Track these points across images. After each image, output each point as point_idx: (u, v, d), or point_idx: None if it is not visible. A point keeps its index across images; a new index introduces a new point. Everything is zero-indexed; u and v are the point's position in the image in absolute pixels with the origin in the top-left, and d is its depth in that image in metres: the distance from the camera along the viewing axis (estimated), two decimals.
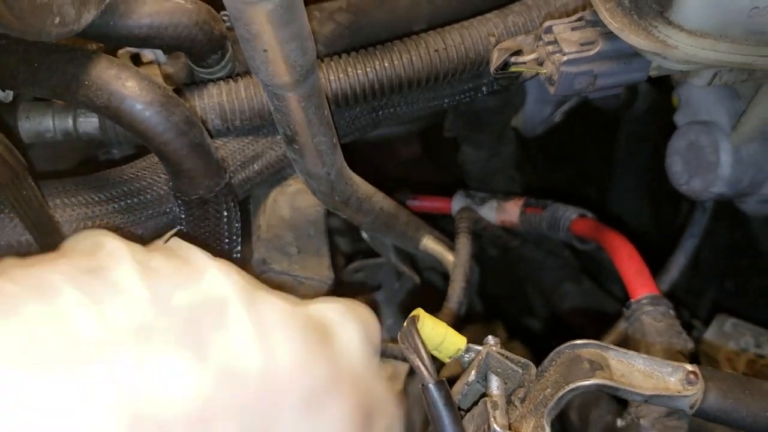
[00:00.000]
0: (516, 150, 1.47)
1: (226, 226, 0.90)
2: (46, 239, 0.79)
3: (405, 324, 0.61)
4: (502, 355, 0.61)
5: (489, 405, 0.57)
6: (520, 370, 0.61)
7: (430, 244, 1.20)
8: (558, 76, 0.83)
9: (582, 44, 0.82)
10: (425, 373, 0.57)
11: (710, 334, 1.16)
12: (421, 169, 1.86)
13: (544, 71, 0.85)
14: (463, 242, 1.18)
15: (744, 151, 1.02)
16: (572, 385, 0.57)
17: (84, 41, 0.86)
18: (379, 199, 1.03)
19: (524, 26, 0.95)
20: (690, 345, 0.89)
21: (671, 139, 1.11)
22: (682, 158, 1.09)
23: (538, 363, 0.62)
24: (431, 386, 0.57)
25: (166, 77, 0.93)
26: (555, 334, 1.60)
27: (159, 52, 0.93)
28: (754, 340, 1.12)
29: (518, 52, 0.88)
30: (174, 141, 0.78)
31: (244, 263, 0.99)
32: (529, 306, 1.72)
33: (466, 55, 0.93)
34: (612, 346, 0.60)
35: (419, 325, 0.61)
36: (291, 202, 1.03)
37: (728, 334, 1.13)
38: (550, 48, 0.84)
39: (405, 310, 1.32)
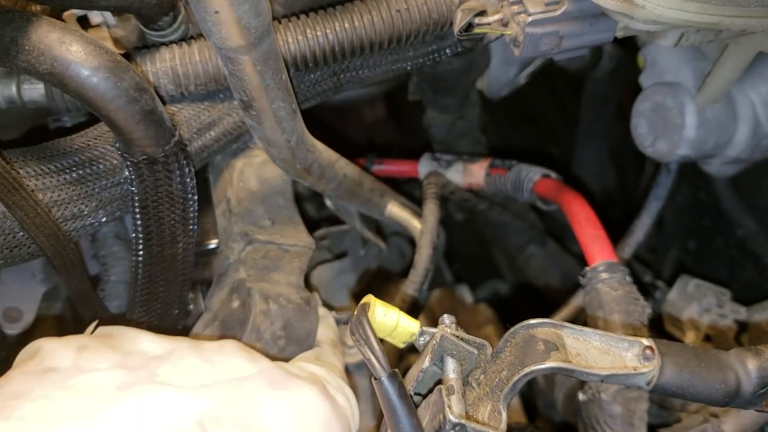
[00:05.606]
0: (481, 112, 1.45)
1: (179, 186, 0.86)
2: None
3: (355, 313, 0.59)
4: (457, 336, 0.59)
5: (444, 392, 0.56)
6: (476, 351, 0.60)
7: (396, 210, 1.19)
8: (523, 37, 0.81)
9: (547, 4, 0.80)
10: (377, 366, 0.55)
11: (674, 296, 1.17)
12: (387, 133, 1.84)
13: (509, 32, 0.83)
14: (431, 208, 1.16)
15: (709, 113, 1.01)
16: (527, 370, 0.56)
17: (25, 2, 0.81)
18: (342, 166, 1.01)
19: None
20: (648, 311, 0.88)
21: (636, 100, 1.10)
22: (647, 120, 1.08)
23: (504, 326, 0.61)
24: (384, 379, 0.55)
25: (116, 41, 0.89)
26: (521, 297, 1.62)
27: (108, 14, 0.88)
28: (717, 300, 1.13)
29: (482, 13, 0.86)
30: (124, 108, 0.75)
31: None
32: (496, 269, 1.73)
33: (428, 15, 0.91)
34: (567, 324, 0.59)
35: (370, 313, 0.59)
36: (258, 173, 1.00)
37: (691, 294, 1.14)
38: (515, 8, 0.82)
39: (371, 277, 1.31)
